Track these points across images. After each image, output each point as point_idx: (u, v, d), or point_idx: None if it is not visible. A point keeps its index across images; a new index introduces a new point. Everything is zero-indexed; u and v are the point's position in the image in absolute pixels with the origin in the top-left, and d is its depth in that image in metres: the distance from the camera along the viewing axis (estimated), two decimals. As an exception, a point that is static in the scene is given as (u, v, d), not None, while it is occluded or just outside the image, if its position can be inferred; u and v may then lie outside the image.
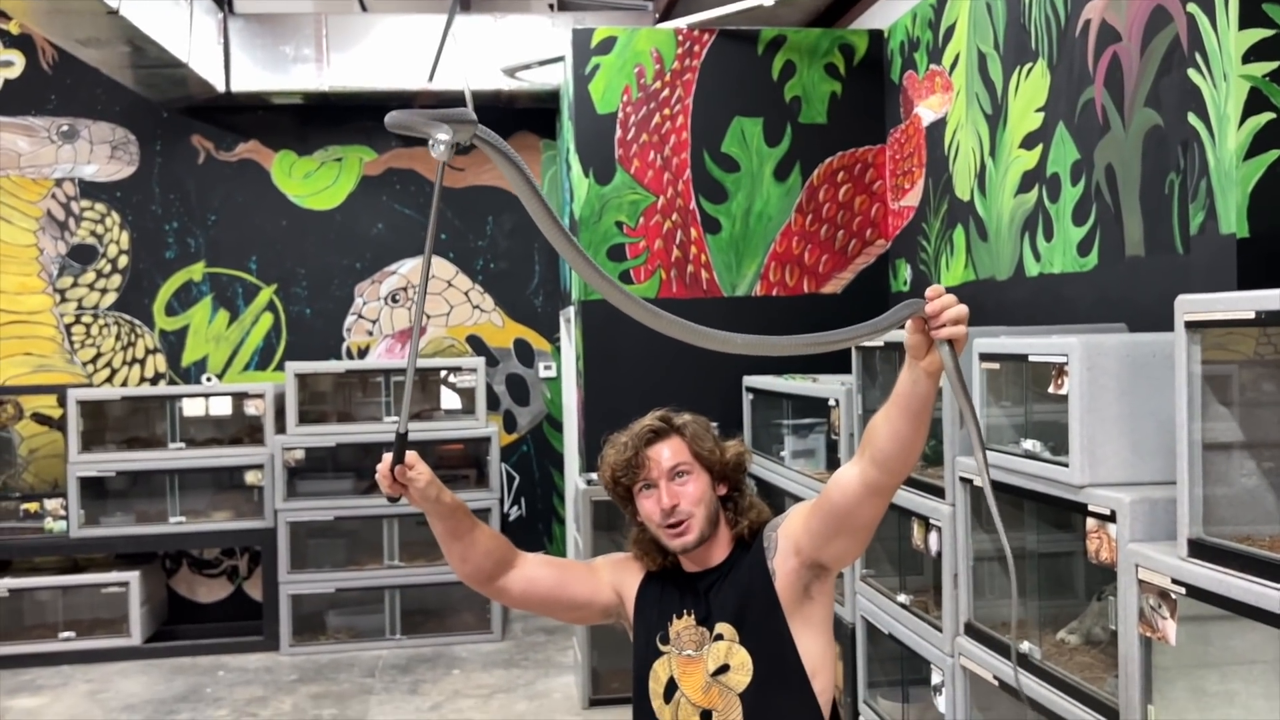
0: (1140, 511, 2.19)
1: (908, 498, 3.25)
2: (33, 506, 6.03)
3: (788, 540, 1.88)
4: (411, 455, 1.85)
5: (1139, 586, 2.11)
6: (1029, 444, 2.61)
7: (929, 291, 1.60)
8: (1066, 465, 2.40)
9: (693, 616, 1.89)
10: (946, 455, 3.01)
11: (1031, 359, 2.57)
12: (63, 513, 6.02)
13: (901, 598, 3.37)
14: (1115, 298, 3.29)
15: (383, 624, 6.26)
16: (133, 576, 6.09)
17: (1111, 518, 2.23)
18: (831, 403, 3.87)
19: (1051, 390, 2.44)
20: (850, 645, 3.80)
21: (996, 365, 2.77)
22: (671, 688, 1.86)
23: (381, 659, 6.02)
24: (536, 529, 6.94)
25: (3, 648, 5.96)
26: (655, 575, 1.99)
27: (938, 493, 3.08)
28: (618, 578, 2.04)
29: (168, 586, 6.63)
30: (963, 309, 1.57)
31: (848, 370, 3.84)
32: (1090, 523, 2.30)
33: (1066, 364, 2.38)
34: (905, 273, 5.10)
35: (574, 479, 5.71)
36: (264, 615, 6.21)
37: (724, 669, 1.84)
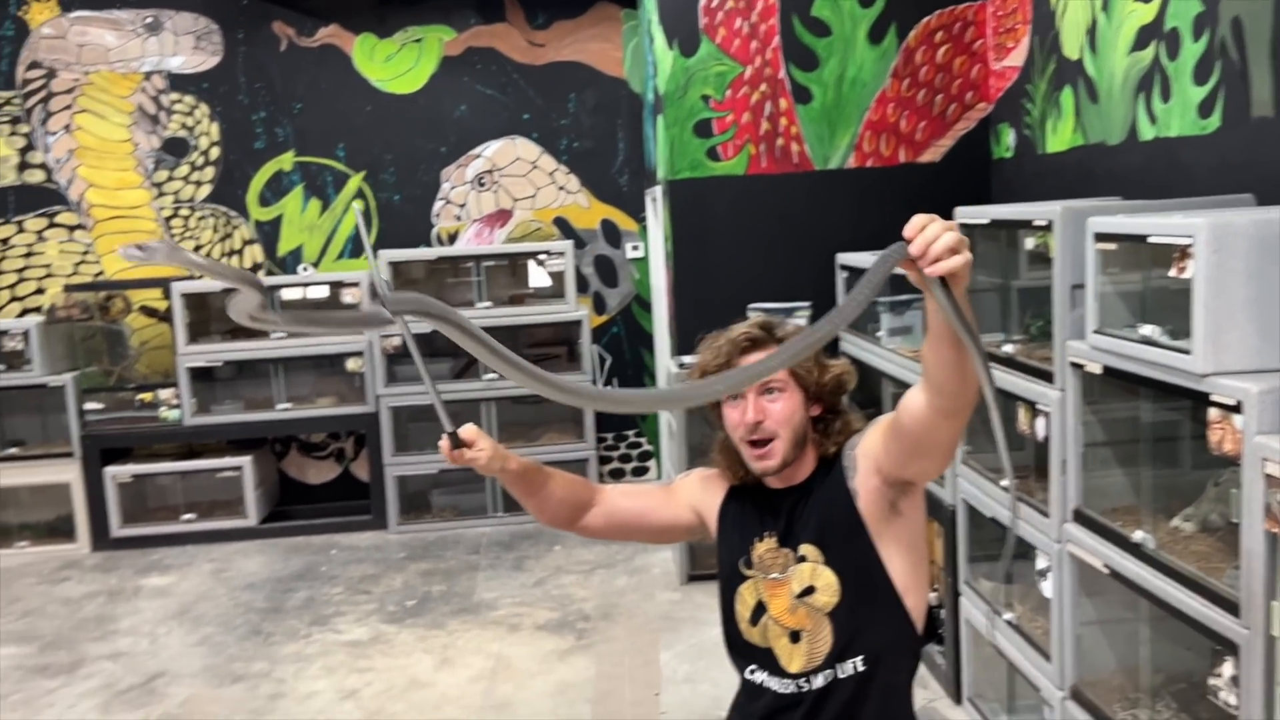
0: (1269, 402, 2.07)
1: (1013, 382, 3.15)
2: (147, 396, 6.27)
3: (867, 460, 1.79)
4: (470, 433, 1.89)
5: (1265, 481, 2.02)
6: (1146, 329, 2.49)
7: (907, 229, 1.35)
8: (1188, 352, 2.28)
9: (774, 538, 1.84)
10: (1056, 338, 2.90)
11: (1151, 240, 2.42)
12: (176, 402, 6.25)
13: (1004, 482, 3.31)
14: (1240, 164, 3.08)
15: (485, 503, 6.44)
16: (245, 461, 6.33)
17: (1237, 409, 2.12)
18: (931, 282, 3.75)
19: (1173, 273, 2.31)
20: (950, 528, 3.77)
21: (1112, 245, 2.63)
22: (759, 610, 1.83)
23: (485, 536, 6.21)
24: (630, 407, 6.99)
25: (132, 529, 6.30)
26: (736, 492, 1.94)
27: (1045, 377, 2.98)
28: (698, 498, 2.00)
29: (279, 469, 6.89)
30: (951, 237, 1.32)
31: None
32: (1213, 413, 2.20)
33: (1191, 246, 2.24)
34: (1008, 138, 4.86)
35: (665, 362, 5.70)
36: (371, 496, 6.42)
37: (809, 590, 1.80)
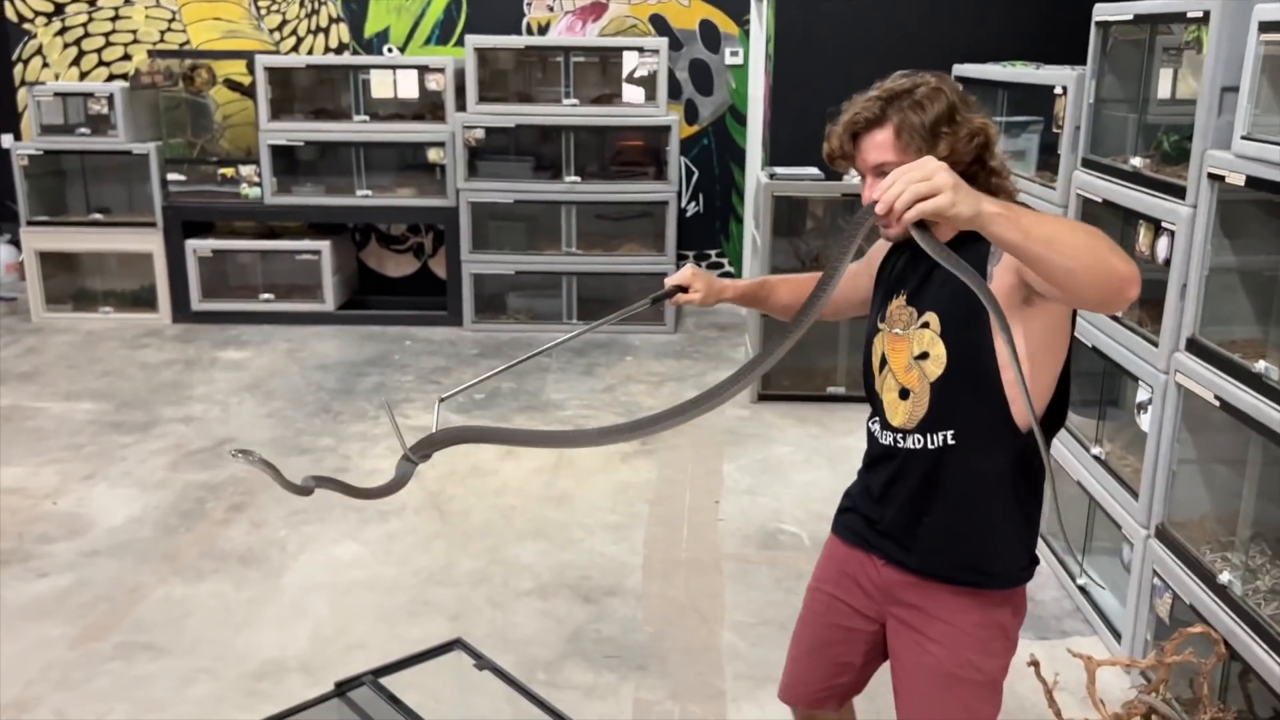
0: None
1: (1135, 198, 2.87)
2: (229, 171, 6.22)
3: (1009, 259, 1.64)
4: (684, 276, 2.01)
5: None
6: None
7: (864, 195, 1.49)
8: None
9: (905, 297, 1.79)
10: (1196, 147, 2.60)
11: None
12: (256, 179, 6.19)
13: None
14: None
15: (560, 309, 6.35)
16: (324, 245, 6.30)
17: None
18: (1058, 90, 3.42)
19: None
20: (1044, 357, 3.55)
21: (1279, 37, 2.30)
22: (883, 363, 1.82)
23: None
24: (713, 227, 6.76)
25: (211, 304, 6.36)
26: (896, 249, 1.87)
27: (1177, 193, 2.69)
28: (874, 260, 1.97)
29: (358, 259, 6.86)
30: (916, 189, 1.33)
31: (1080, 59, 3.35)
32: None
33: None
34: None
35: (756, 172, 5.43)
36: (448, 292, 6.38)
37: (924, 355, 1.75)
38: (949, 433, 1.71)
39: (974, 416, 1.70)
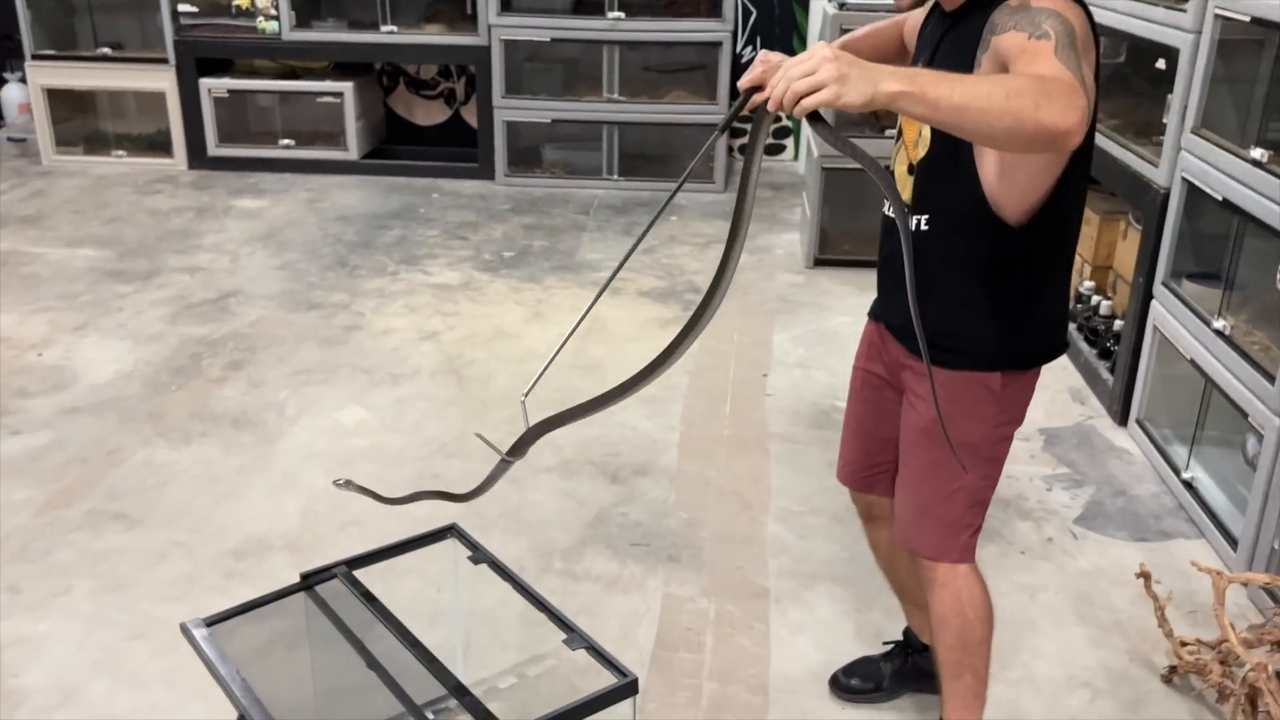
0: None
1: (1304, 12, 2.31)
2: (243, 3, 5.70)
3: (994, 53, 1.54)
4: (757, 73, 1.56)
5: None
6: None
7: (740, 83, 1.51)
8: None
9: (923, 63, 1.73)
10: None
11: None
12: (274, 12, 5.67)
13: (1256, 152, 2.53)
14: None
15: (599, 163, 5.84)
16: (347, 87, 5.80)
17: None
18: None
19: None
20: (1158, 215, 3.02)
21: None
22: (899, 134, 1.82)
23: (596, 198, 5.66)
24: (773, 74, 6.14)
25: (228, 149, 5.93)
26: (932, 11, 1.79)
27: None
28: (916, 20, 1.88)
29: (385, 105, 6.36)
30: (791, 88, 1.26)
31: None
32: None
33: None
34: None
35: (822, 4, 4.82)
36: (479, 142, 5.88)
37: (918, 135, 1.74)
38: (924, 217, 1.71)
39: (947, 203, 1.69)
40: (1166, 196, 2.99)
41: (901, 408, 1.88)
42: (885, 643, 2.23)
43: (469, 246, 4.86)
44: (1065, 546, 2.68)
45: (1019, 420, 1.82)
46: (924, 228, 1.72)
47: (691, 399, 3.43)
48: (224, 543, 2.65)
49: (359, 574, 1.90)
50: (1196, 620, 2.39)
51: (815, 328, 4.00)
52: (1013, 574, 2.57)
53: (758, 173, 1.39)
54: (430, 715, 2.07)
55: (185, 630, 1.74)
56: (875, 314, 1.96)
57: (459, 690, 1.68)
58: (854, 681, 2.16)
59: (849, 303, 4.25)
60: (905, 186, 1.76)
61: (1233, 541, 2.57)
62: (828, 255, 4.64)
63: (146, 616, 2.39)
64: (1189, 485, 2.84)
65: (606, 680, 1.65)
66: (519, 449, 1.74)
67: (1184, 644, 2.20)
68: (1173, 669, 2.20)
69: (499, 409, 3.36)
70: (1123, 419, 3.24)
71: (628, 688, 1.61)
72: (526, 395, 1.73)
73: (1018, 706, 2.15)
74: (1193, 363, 2.81)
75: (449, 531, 2.01)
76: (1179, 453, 2.96)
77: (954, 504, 1.80)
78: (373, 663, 1.75)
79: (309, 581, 1.86)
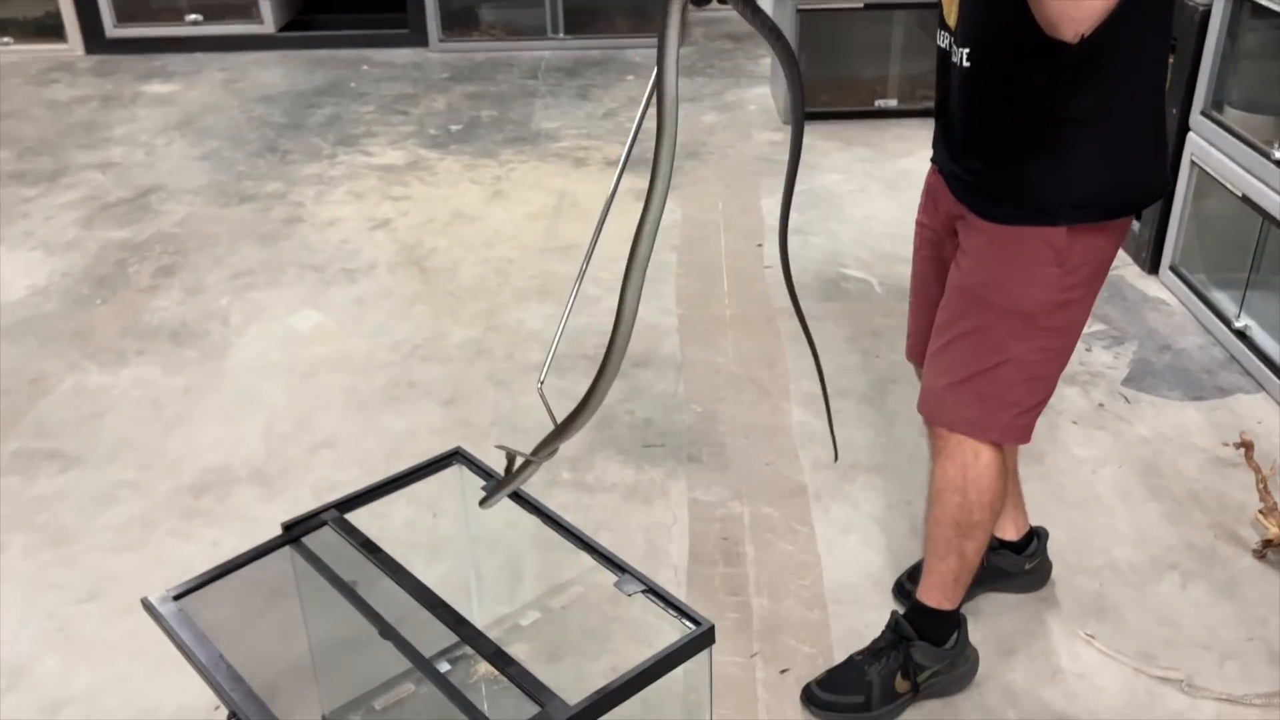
0: None
1: None
2: None
3: None
4: None
5: None
6: None
7: None
8: None
9: None
10: None
11: None
12: None
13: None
14: None
15: (543, 20, 5.34)
16: (255, -49, 5.20)
17: None
18: None
19: None
20: (1198, 34, 2.70)
21: None
22: None
23: (544, 60, 5.19)
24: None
25: (129, 29, 5.32)
26: None
27: None
28: None
29: (299, -30, 5.76)
30: None
31: None
32: None
33: None
34: None
35: None
36: (408, 6, 5.33)
37: None
38: (966, 50, 1.47)
39: (994, 24, 1.42)
40: (1207, 13, 2.67)
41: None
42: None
43: (410, 121, 4.41)
44: (1119, 412, 2.44)
45: (1094, 284, 1.54)
46: (965, 64, 1.47)
47: (684, 277, 3.11)
48: (179, 478, 2.31)
49: (352, 518, 1.59)
50: (1276, 485, 2.17)
51: (805, 189, 3.67)
52: (1070, 448, 2.33)
53: (676, 75, 1.14)
54: (446, 664, 1.80)
55: (148, 607, 1.42)
56: (933, 156, 1.68)
57: (475, 636, 1.39)
58: (922, 586, 1.91)
59: (837, 159, 3.91)
60: (950, 9, 1.50)
61: (1302, 394, 2.35)
62: (807, 108, 4.27)
63: (98, 572, 2.06)
64: (1241, 335, 2.60)
65: (650, 613, 1.39)
66: (545, 447, 1.48)
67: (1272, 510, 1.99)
68: (1266, 543, 1.99)
69: (472, 302, 3.01)
70: (1153, 267, 2.99)
71: (702, 638, 1.33)
72: (543, 382, 1.41)
73: (1105, 599, 1.93)
74: (1245, 199, 2.54)
75: (454, 458, 1.70)
76: (1225, 300, 2.72)
77: (998, 379, 1.54)
78: (374, 617, 1.46)
79: (294, 533, 1.54)
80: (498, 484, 1.57)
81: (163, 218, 3.56)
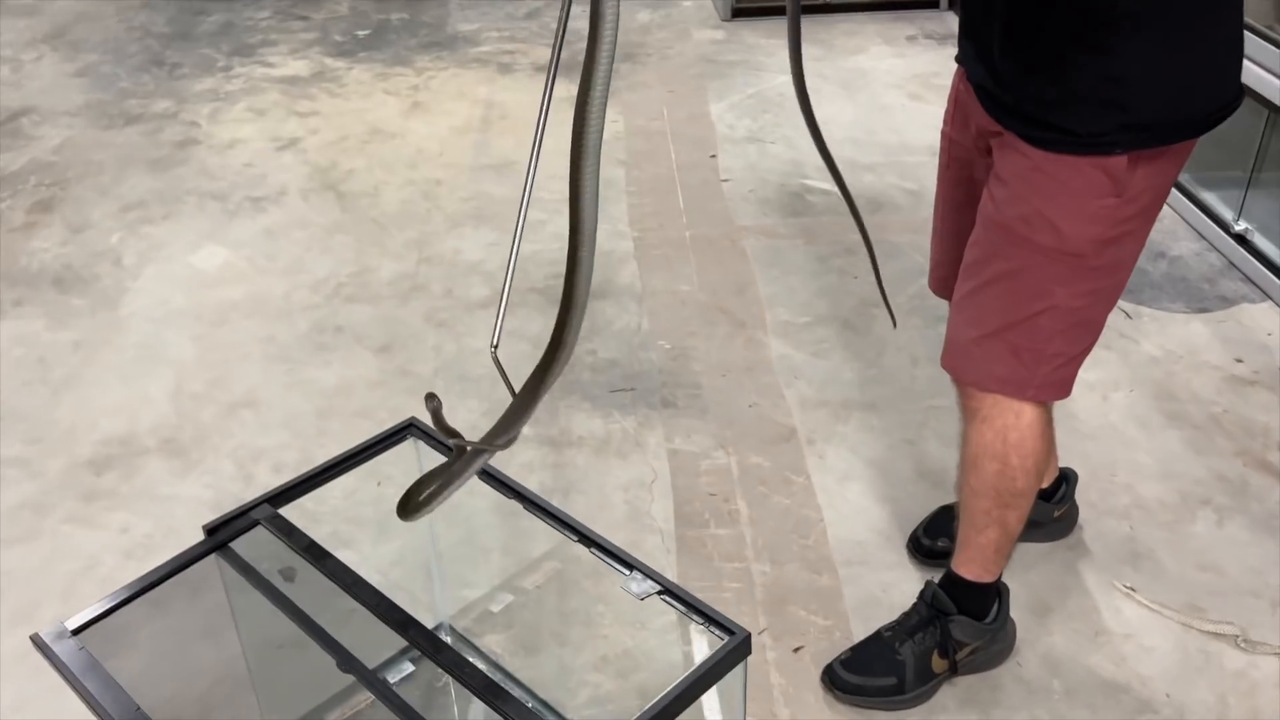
0: None
1: None
2: None
3: None
4: None
5: None
6: None
7: None
8: None
9: None
10: None
11: None
12: None
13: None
14: None
15: (452, -87, 4.89)
16: None
17: None
18: None
19: None
20: None
21: None
22: None
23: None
24: None
25: (-19, -69, 4.73)
26: None
27: None
28: None
29: None
30: None
31: None
32: None
33: None
34: None
35: None
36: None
37: None
38: None
39: None
40: None
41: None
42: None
43: (312, 27, 3.99)
44: (1121, 328, 2.25)
45: (1152, 212, 1.31)
46: None
47: (636, 196, 2.82)
48: (75, 451, 1.99)
49: (287, 512, 1.31)
50: (1298, 404, 2.01)
51: (755, 93, 3.38)
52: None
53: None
54: (409, 665, 1.55)
55: (40, 645, 1.13)
56: (959, 58, 1.43)
57: (433, 646, 1.15)
58: (940, 543, 1.71)
59: (783, 58, 3.60)
60: None
61: (1315, 303, 2.19)
62: (744, 3, 3.96)
63: (-17, 573, 1.75)
64: (1242, 239, 2.43)
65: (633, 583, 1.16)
66: (498, 435, 1.04)
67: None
68: (1302, 472, 1.83)
69: (399, 231, 2.69)
70: (1137, 168, 2.79)
71: (737, 650, 1.10)
72: (496, 345, 1.02)
73: (1137, 541, 1.75)
74: (1247, 88, 2.33)
75: (408, 430, 1.42)
76: (1220, 202, 2.54)
77: (1037, 330, 1.32)
78: (315, 630, 1.20)
79: (219, 537, 1.26)
80: (432, 483, 1.11)
81: (36, 144, 3.14)
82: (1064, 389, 1.38)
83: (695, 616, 1.15)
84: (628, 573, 1.21)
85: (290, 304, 2.41)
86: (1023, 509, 1.43)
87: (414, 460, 1.44)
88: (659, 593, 1.18)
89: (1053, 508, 1.71)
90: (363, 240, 2.65)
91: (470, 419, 2.01)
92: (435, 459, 1.40)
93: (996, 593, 1.51)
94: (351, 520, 1.79)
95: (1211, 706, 1.48)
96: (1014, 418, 1.37)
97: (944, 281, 1.53)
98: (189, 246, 2.64)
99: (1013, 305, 1.32)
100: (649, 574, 1.19)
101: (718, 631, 1.13)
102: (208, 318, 2.37)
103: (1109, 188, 1.24)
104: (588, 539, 1.25)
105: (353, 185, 2.91)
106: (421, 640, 1.15)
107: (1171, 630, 1.60)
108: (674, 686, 1.07)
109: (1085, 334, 1.36)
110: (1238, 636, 1.58)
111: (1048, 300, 1.30)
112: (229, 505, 1.83)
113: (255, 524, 1.27)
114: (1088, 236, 1.26)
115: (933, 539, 1.72)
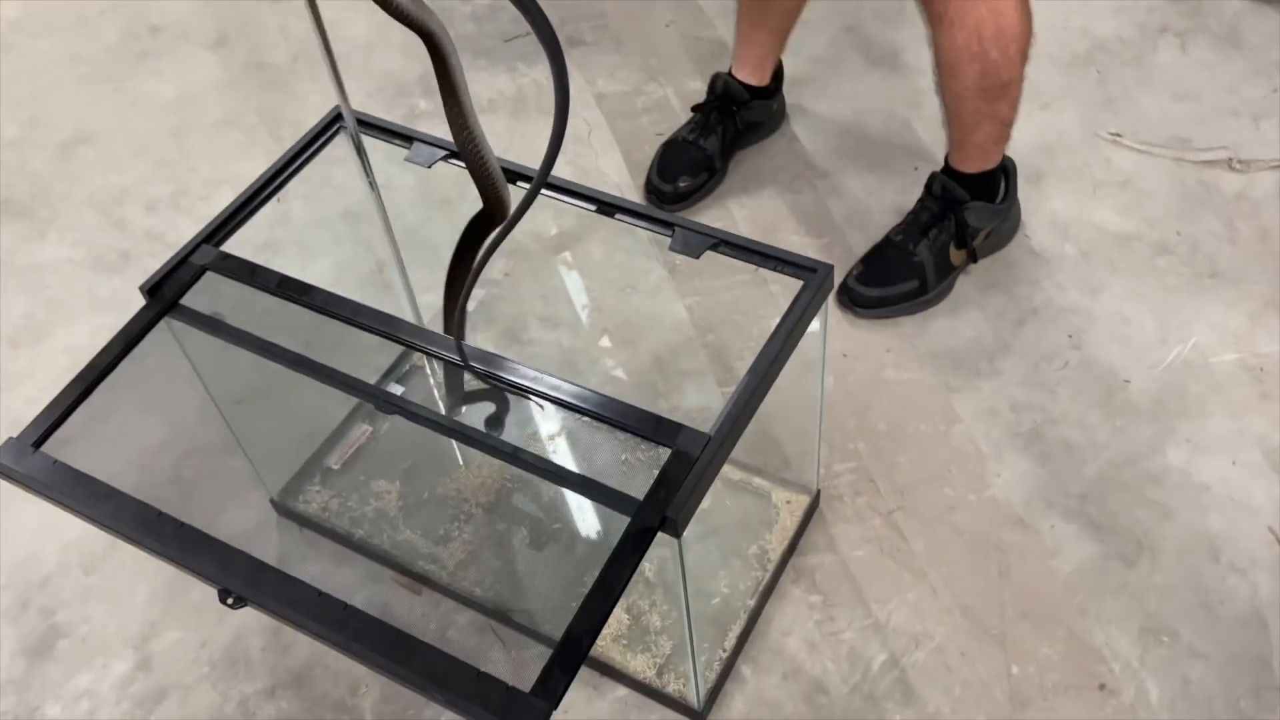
0: None
1: None
2: None
3: None
4: None
5: None
6: None
7: None
8: None
9: None
10: None
11: None
12: None
13: None
14: None
15: None
16: None
17: None
18: None
19: None
20: None
21: None
22: None
23: None
24: None
25: None
26: None
27: None
28: None
29: None
30: None
31: None
32: None
33: None
34: None
35: None
36: None
37: None
38: None
39: None
40: None
41: None
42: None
43: None
44: None
45: None
46: None
47: None
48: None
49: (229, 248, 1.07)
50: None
51: None
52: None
53: None
54: (397, 386, 1.41)
55: (6, 470, 0.92)
56: None
57: (431, 339, 1.00)
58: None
59: None
60: None
61: None
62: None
63: None
64: None
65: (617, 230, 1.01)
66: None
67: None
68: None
69: None
70: None
71: (825, 286, 0.97)
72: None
73: (1108, 85, 1.66)
74: None
75: (335, 123, 1.16)
76: None
77: None
78: (301, 363, 1.03)
79: (164, 296, 1.02)
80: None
81: None
82: None
83: (766, 263, 1.00)
84: (670, 233, 1.03)
85: (81, 8, 1.97)
86: (1014, 95, 1.30)
87: (351, 156, 1.20)
88: (713, 246, 1.02)
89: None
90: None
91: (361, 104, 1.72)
92: (378, 147, 1.17)
93: (1003, 171, 1.41)
94: (298, 242, 1.55)
95: (1221, 234, 1.46)
96: (986, 11, 1.20)
97: None
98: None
99: None
100: (693, 227, 1.03)
101: (789, 269, 1.00)
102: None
103: None
104: (609, 205, 1.06)
105: None
106: (420, 338, 0.98)
107: (1165, 167, 1.55)
108: (775, 333, 0.93)
109: None
110: (1230, 159, 1.54)
111: None
112: (112, 260, 1.56)
113: (202, 270, 1.04)
114: None
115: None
